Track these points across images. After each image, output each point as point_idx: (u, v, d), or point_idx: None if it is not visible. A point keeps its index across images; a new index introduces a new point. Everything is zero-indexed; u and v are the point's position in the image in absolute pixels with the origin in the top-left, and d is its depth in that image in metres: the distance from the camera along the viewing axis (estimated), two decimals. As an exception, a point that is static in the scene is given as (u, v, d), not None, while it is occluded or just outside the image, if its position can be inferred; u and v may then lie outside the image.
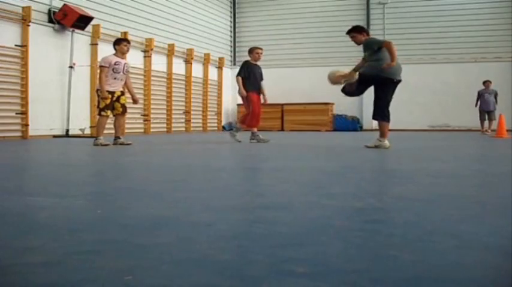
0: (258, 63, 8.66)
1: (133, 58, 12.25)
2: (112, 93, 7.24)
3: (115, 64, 7.20)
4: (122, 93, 7.43)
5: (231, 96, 17.38)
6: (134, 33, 12.35)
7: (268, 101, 8.96)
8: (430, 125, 15.59)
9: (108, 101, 7.22)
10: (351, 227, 1.91)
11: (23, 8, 9.24)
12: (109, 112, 7.28)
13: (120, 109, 7.40)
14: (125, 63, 7.39)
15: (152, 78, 13.04)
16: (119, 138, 7.52)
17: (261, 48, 8.66)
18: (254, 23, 17.53)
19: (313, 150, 7.02)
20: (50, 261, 1.41)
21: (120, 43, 7.34)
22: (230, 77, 17.42)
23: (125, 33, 11.85)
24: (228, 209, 2.30)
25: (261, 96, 8.72)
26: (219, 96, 16.60)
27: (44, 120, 9.76)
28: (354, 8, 16.47)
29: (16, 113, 9.28)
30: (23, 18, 9.24)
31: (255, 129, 8.55)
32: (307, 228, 1.87)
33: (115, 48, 7.36)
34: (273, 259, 1.43)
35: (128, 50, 7.49)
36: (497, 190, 2.99)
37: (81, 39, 10.54)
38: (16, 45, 9.20)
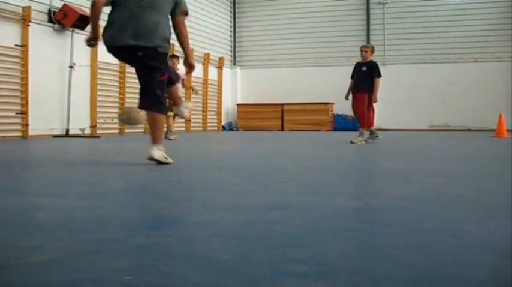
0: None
1: (133, 58, 12.23)
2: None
3: None
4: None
5: (231, 96, 17.38)
6: (134, 33, 12.33)
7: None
8: (430, 125, 15.58)
9: (168, 104, 9.18)
10: (351, 227, 1.91)
11: (23, 8, 9.23)
12: (171, 113, 8.92)
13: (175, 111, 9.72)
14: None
15: (152, 78, 13.02)
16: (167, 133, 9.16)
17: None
18: (254, 23, 17.52)
19: (313, 150, 7.02)
20: (50, 261, 1.41)
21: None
22: (230, 77, 17.41)
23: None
24: (228, 209, 2.30)
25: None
26: (219, 96, 16.59)
27: (44, 120, 9.74)
28: (354, 8, 16.45)
29: (16, 113, 9.27)
30: (23, 18, 9.23)
31: (372, 128, 8.24)
32: (307, 228, 1.87)
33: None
34: (273, 259, 1.43)
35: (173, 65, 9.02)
36: (497, 190, 2.99)
37: (81, 39, 10.49)
38: (16, 45, 9.19)
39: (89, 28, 10.83)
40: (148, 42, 4.09)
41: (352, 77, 8.30)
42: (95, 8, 4.17)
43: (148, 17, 4.10)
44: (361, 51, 8.28)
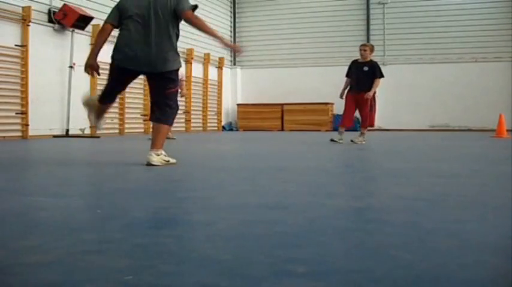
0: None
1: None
2: None
3: None
4: None
5: (231, 96, 17.38)
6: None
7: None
8: (430, 125, 15.58)
9: None
10: (351, 227, 1.91)
11: (23, 8, 9.23)
12: None
13: None
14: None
15: (152, 78, 13.01)
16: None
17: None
18: (254, 23, 17.52)
19: (313, 150, 7.02)
20: (50, 261, 1.41)
21: None
22: (230, 77, 17.42)
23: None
24: (228, 209, 2.30)
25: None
26: (219, 96, 16.59)
27: (44, 120, 9.75)
28: (354, 8, 16.45)
29: (16, 113, 9.27)
30: (23, 18, 9.23)
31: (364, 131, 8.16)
32: (307, 228, 1.87)
33: None
34: (273, 259, 1.43)
35: None
36: (497, 190, 2.99)
37: (81, 39, 10.53)
38: (16, 45, 9.19)
39: (88, 28, 10.79)
40: (162, 68, 4.12)
41: (347, 75, 8.20)
42: (103, 34, 4.19)
43: (156, 37, 4.08)
44: (361, 50, 8.15)
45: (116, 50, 4.19)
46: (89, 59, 4.27)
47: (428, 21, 15.65)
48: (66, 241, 1.67)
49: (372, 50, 8.24)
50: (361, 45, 8.38)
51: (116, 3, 4.29)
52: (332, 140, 8.02)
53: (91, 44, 10.89)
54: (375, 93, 8.03)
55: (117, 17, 4.18)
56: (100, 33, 4.24)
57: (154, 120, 4.31)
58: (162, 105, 4.22)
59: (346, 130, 8.16)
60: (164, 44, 4.12)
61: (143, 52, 4.08)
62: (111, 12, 4.25)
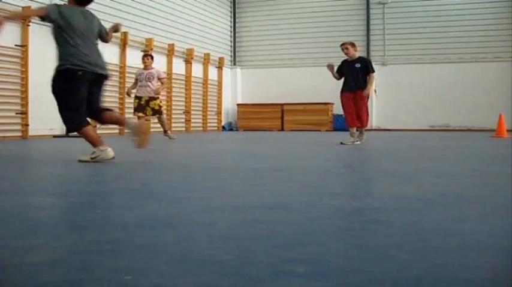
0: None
1: (133, 58, 12.24)
2: (139, 98, 9.12)
3: (138, 75, 9.30)
4: (150, 98, 9.11)
5: (231, 96, 17.38)
6: (134, 33, 12.34)
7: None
8: (430, 125, 15.58)
9: (136, 104, 9.18)
10: (351, 227, 1.91)
11: (23, 8, 9.23)
12: (140, 114, 9.04)
13: (151, 112, 9.11)
14: (147, 73, 9.20)
15: (152, 78, 13.02)
16: (166, 132, 9.38)
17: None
18: (254, 23, 17.52)
19: (313, 150, 7.01)
20: (50, 261, 1.41)
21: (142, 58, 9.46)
22: (230, 77, 17.42)
23: (125, 33, 11.84)
24: (228, 209, 2.30)
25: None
26: (219, 96, 16.59)
27: (44, 120, 9.74)
28: (354, 8, 16.45)
29: (16, 113, 9.28)
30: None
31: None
32: (307, 228, 1.87)
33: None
34: (273, 259, 1.43)
35: (146, 64, 9.29)
36: (497, 190, 2.99)
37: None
38: (16, 45, 9.19)
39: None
40: (106, 71, 4.73)
41: (337, 72, 8.03)
42: (36, 14, 4.61)
43: (96, 46, 4.66)
44: (343, 50, 7.95)
45: (71, 58, 4.43)
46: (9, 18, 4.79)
47: (428, 21, 15.65)
48: (66, 241, 1.67)
49: (352, 45, 7.97)
50: (341, 45, 8.12)
51: (55, 4, 4.59)
52: (342, 143, 7.72)
53: (91, 44, 10.89)
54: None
55: (56, 18, 4.39)
56: (37, 12, 4.63)
57: (103, 122, 5.06)
58: (100, 110, 4.83)
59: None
60: (101, 53, 4.70)
61: (93, 56, 4.57)
62: (53, 10, 4.45)
